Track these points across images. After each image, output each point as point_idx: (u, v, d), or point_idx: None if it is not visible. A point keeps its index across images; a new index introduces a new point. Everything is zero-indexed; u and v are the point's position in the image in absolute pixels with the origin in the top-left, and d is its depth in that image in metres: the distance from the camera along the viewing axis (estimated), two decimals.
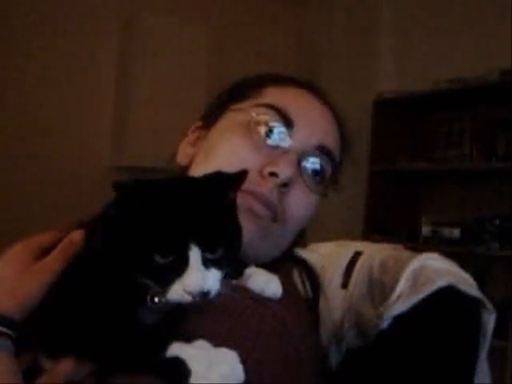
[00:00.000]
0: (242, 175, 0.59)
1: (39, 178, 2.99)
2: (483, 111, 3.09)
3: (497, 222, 2.93)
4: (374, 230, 3.22)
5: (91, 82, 3.26)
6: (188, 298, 0.53)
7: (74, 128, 3.18)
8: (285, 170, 0.70)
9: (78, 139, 3.18)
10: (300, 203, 0.74)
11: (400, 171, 3.36)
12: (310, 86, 0.81)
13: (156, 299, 0.55)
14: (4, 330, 0.57)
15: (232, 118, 0.77)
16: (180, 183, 0.59)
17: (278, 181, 0.70)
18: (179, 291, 0.53)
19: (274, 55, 3.56)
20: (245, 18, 3.67)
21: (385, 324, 0.70)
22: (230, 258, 0.57)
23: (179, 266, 0.53)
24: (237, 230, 0.60)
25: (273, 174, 0.70)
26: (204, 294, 0.54)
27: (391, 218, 3.32)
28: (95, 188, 2.95)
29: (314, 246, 0.91)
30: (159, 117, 3.09)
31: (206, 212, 0.55)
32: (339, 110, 0.83)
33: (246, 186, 0.69)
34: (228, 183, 0.59)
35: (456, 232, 3.06)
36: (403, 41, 3.50)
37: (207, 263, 0.54)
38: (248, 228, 0.68)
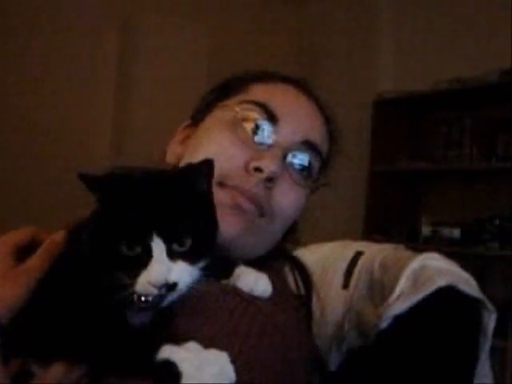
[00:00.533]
0: (205, 164, 0.58)
1: (39, 178, 2.99)
2: (483, 111, 3.08)
3: (497, 221, 2.93)
4: (374, 230, 3.21)
5: (91, 82, 3.25)
6: (153, 291, 0.53)
7: (73, 128, 3.18)
8: (269, 165, 0.70)
9: (78, 139, 3.18)
10: (287, 198, 0.74)
11: (400, 171, 3.36)
12: (296, 82, 0.81)
13: (143, 297, 0.55)
14: None
15: (218, 115, 0.77)
16: (147, 176, 0.58)
17: (263, 175, 0.70)
18: (144, 283, 0.53)
19: (274, 55, 3.56)
20: (245, 18, 3.67)
21: (385, 324, 0.70)
22: (202, 250, 0.56)
23: (144, 258, 0.53)
24: (210, 221, 0.59)
25: (258, 169, 0.70)
26: (170, 287, 0.54)
27: (391, 217, 3.31)
28: None
29: (314, 247, 0.91)
30: (159, 117, 3.08)
31: (171, 203, 0.55)
32: (328, 104, 0.82)
33: (232, 181, 0.70)
34: (194, 174, 0.58)
35: (456, 232, 3.06)
36: (403, 41, 3.50)
37: (173, 255, 0.54)
38: (235, 223, 0.69)
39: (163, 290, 0.54)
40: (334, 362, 0.79)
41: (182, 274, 0.54)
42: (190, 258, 0.55)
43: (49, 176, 3.00)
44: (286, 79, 0.81)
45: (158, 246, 0.53)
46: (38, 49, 3.06)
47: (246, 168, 0.71)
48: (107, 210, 0.54)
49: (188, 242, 0.55)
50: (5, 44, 3.00)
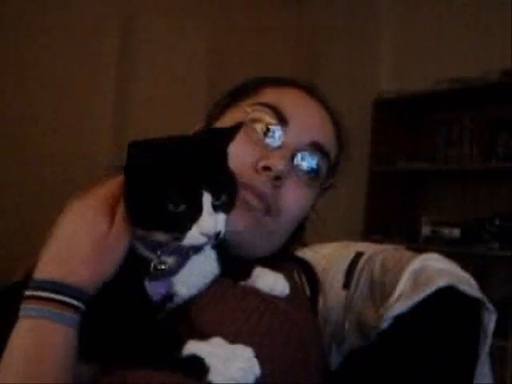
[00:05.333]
0: (236, 130, 0.64)
1: (39, 178, 2.99)
2: (483, 111, 3.09)
3: (497, 222, 2.94)
4: (374, 230, 3.21)
5: (91, 82, 3.25)
6: (204, 240, 0.59)
7: (74, 128, 3.18)
8: (277, 164, 0.72)
9: (78, 139, 3.18)
10: (293, 197, 0.76)
11: (400, 171, 3.36)
12: (307, 87, 0.83)
13: (159, 266, 0.60)
14: (74, 302, 0.56)
15: (230, 116, 0.80)
16: (182, 140, 0.64)
17: (271, 174, 0.72)
18: (196, 235, 0.58)
19: (274, 55, 3.56)
20: (245, 18, 3.67)
21: (385, 324, 0.70)
22: (231, 203, 0.62)
23: (194, 212, 0.58)
24: (232, 178, 0.65)
25: (266, 168, 0.73)
26: (216, 235, 0.60)
27: (391, 218, 3.31)
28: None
29: (315, 247, 0.92)
30: (159, 117, 3.08)
31: (211, 162, 0.61)
32: (337, 110, 0.84)
33: (240, 179, 0.72)
34: (225, 136, 0.64)
35: (456, 232, 3.06)
36: (403, 41, 3.50)
37: (215, 208, 0.60)
38: (242, 219, 0.71)
39: (211, 239, 0.59)
40: (334, 361, 0.79)
41: (222, 223, 0.61)
42: (224, 209, 0.61)
43: (49, 175, 3.00)
44: (297, 84, 0.83)
45: (207, 201, 0.59)
46: (38, 49, 3.06)
47: (254, 167, 0.73)
48: (153, 174, 0.58)
49: (224, 196, 0.60)
50: (4, 44, 3.00)
